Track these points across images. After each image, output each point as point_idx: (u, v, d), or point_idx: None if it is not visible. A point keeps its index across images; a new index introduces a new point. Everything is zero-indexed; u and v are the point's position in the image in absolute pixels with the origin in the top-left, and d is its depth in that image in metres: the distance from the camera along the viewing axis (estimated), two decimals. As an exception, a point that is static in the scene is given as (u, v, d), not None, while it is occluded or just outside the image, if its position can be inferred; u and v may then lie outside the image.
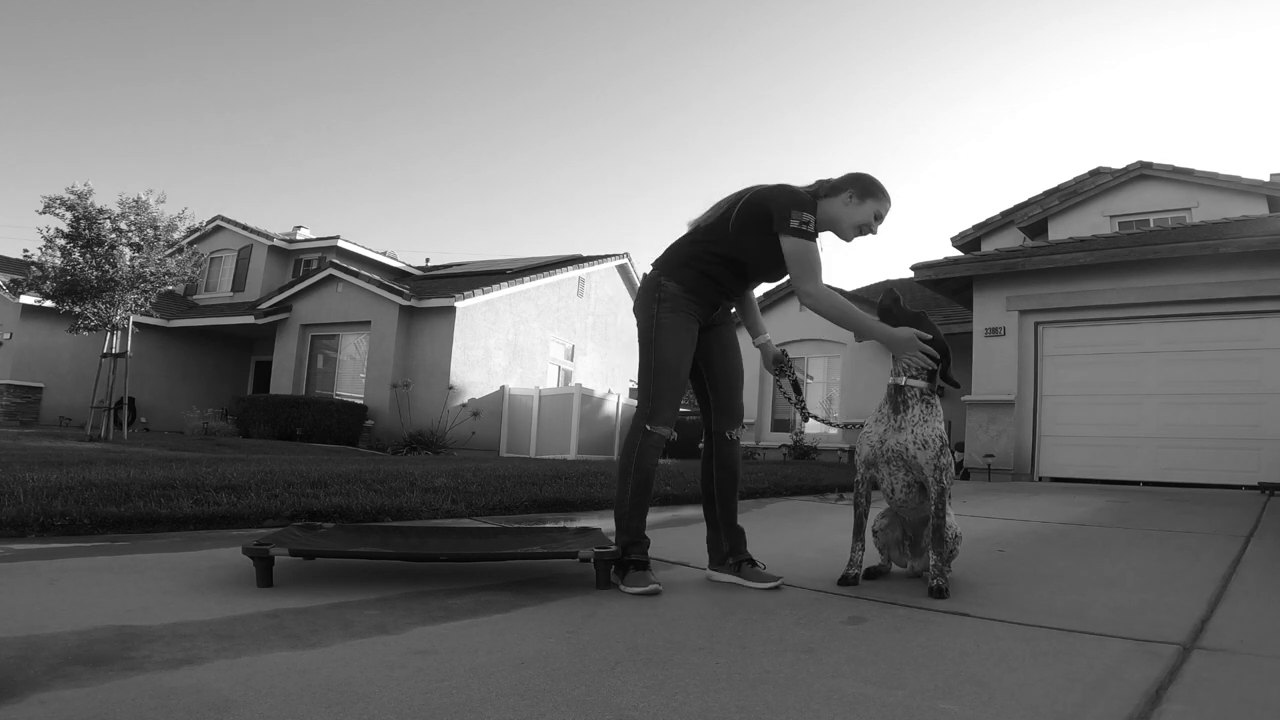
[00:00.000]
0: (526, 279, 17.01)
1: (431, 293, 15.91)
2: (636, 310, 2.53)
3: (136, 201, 11.05)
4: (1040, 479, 8.52)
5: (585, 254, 19.83)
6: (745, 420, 2.54)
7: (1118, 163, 12.96)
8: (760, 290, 2.59)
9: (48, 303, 11.28)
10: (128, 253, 10.91)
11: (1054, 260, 8.80)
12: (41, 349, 15.75)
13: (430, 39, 53.99)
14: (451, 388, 14.89)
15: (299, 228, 21.17)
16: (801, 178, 2.76)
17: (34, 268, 10.75)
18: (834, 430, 13.54)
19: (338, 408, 14.57)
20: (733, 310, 2.71)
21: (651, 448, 2.45)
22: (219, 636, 1.73)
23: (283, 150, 65.03)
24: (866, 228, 2.49)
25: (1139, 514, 4.93)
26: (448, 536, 3.02)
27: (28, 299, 12.93)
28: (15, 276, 11.93)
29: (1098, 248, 8.68)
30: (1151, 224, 11.81)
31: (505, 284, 16.40)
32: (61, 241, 10.71)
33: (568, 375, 18.15)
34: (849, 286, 18.26)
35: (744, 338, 2.77)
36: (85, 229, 10.61)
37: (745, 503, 5.29)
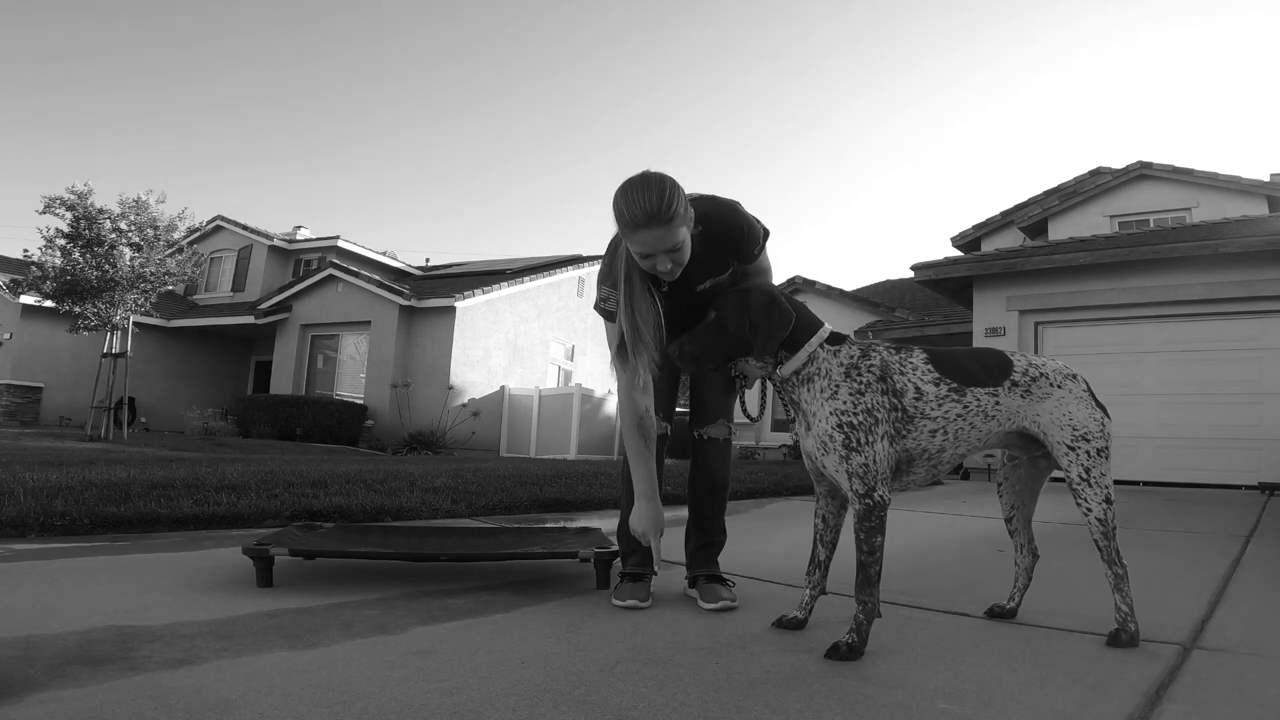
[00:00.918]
0: (526, 279, 17.01)
1: (431, 293, 15.91)
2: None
3: (136, 201, 11.06)
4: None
5: (585, 254, 19.81)
6: (737, 420, 2.43)
7: (1118, 163, 12.98)
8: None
9: (48, 303, 11.29)
10: (128, 253, 10.93)
11: (1054, 260, 8.80)
12: (41, 349, 15.75)
13: (431, 39, 54.00)
14: (451, 388, 14.89)
15: (299, 228, 21.17)
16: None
17: (34, 268, 10.76)
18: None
19: (338, 408, 14.57)
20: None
21: None
22: (219, 636, 1.73)
23: (283, 150, 65.05)
24: (651, 267, 1.93)
25: (1139, 514, 4.93)
26: (448, 536, 3.02)
27: (28, 299, 12.94)
28: (15, 276, 11.94)
29: (1098, 248, 8.68)
30: (1151, 224, 11.82)
31: (505, 284, 16.40)
32: (61, 241, 10.72)
33: (568, 375, 18.15)
34: (849, 287, 18.25)
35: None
36: (85, 229, 10.62)
37: (745, 502, 5.30)
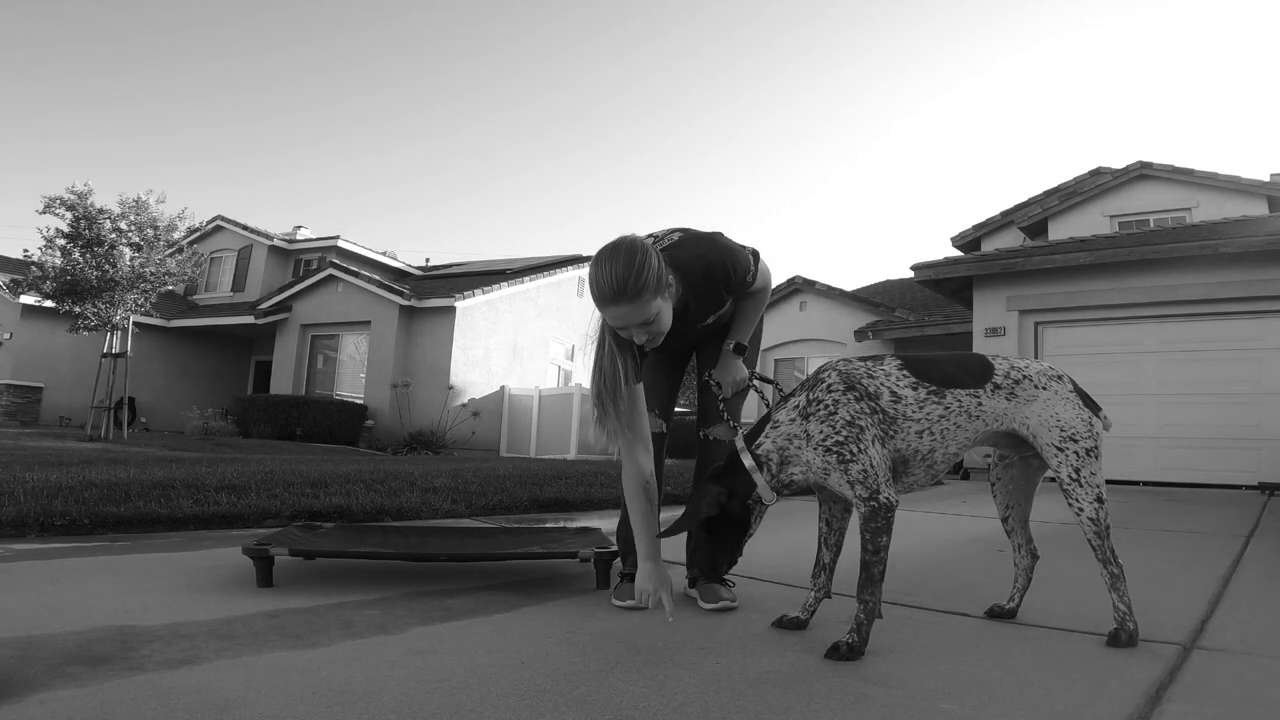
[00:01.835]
0: (526, 279, 17.01)
1: (431, 293, 15.91)
2: None
3: (136, 201, 11.06)
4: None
5: (585, 254, 19.80)
6: (743, 421, 2.43)
7: (1118, 163, 12.98)
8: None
9: (48, 303, 11.29)
10: (128, 253, 10.93)
11: (1054, 260, 8.80)
12: (41, 349, 15.75)
13: (431, 38, 54.00)
14: (451, 388, 14.89)
15: (299, 227, 21.16)
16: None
17: (34, 268, 10.77)
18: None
19: (338, 408, 14.56)
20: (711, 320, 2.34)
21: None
22: (219, 636, 1.73)
23: (283, 150, 65.07)
24: (628, 336, 1.92)
25: (1139, 514, 4.93)
26: (448, 536, 3.02)
27: (28, 299, 12.94)
28: (15, 276, 11.94)
29: (1098, 248, 8.68)
30: (1151, 224, 11.81)
31: (505, 284, 16.39)
32: (61, 241, 10.73)
33: (568, 375, 18.14)
34: (849, 287, 18.26)
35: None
36: (85, 229, 10.63)
37: (745, 503, 5.29)
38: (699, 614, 2.13)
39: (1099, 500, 1.87)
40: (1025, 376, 1.93)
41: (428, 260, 23.23)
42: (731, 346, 2.23)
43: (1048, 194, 13.74)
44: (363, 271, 16.60)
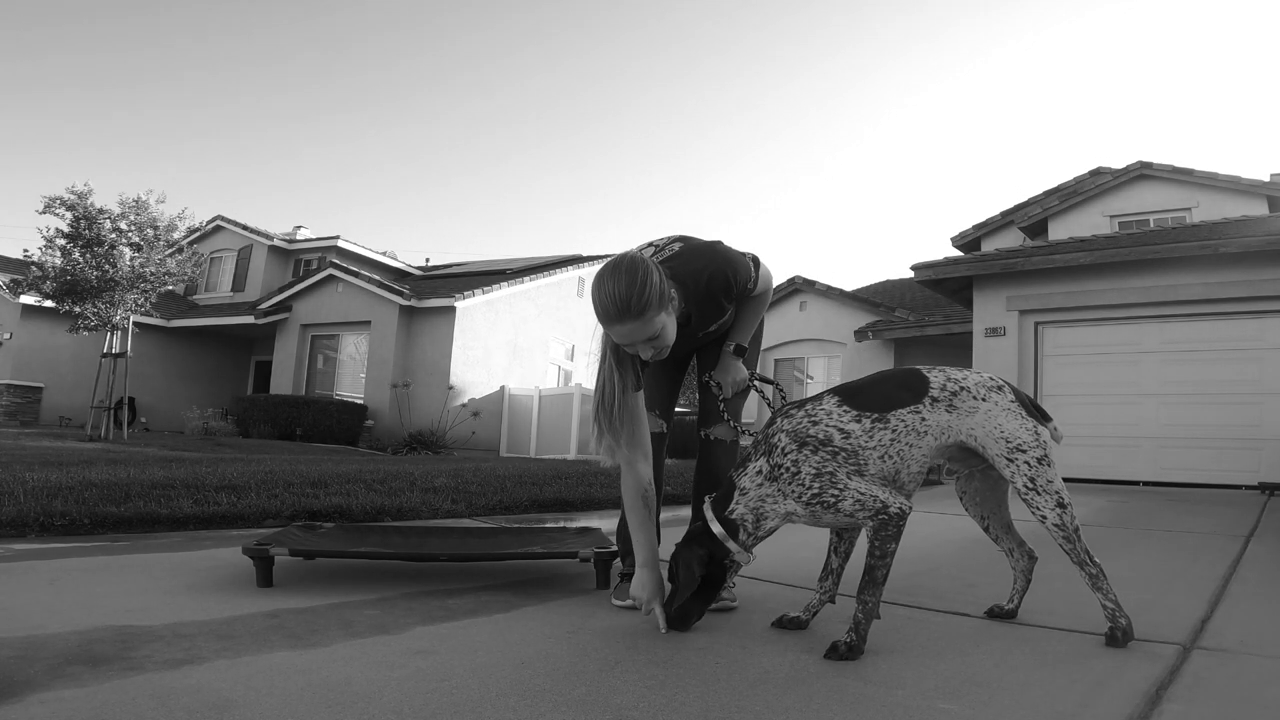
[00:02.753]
0: (526, 279, 17.01)
1: (431, 293, 15.91)
2: None
3: (136, 201, 11.06)
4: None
5: (585, 254, 19.82)
6: (744, 421, 2.44)
7: (1118, 163, 12.98)
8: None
9: (48, 303, 11.30)
10: (128, 253, 10.93)
11: (1054, 260, 8.80)
12: (41, 349, 15.75)
13: (431, 38, 54.01)
14: (451, 388, 14.89)
15: (299, 227, 21.17)
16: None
17: (34, 268, 10.77)
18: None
19: (338, 408, 14.57)
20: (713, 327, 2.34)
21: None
22: (219, 636, 1.73)
23: (283, 150, 65.06)
24: (633, 352, 1.94)
25: (1139, 514, 4.93)
26: (448, 536, 3.02)
27: (28, 299, 12.94)
28: (15, 276, 11.94)
29: (1098, 248, 8.68)
30: (1151, 224, 11.82)
31: (505, 284, 16.40)
32: (61, 241, 10.73)
33: (568, 375, 18.15)
34: (849, 287, 18.26)
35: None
36: (85, 229, 10.63)
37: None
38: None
39: (1061, 505, 1.85)
40: (963, 388, 1.90)
41: (428, 260, 23.25)
42: (732, 348, 2.24)
43: (1048, 194, 13.75)
44: (363, 271, 16.60)
